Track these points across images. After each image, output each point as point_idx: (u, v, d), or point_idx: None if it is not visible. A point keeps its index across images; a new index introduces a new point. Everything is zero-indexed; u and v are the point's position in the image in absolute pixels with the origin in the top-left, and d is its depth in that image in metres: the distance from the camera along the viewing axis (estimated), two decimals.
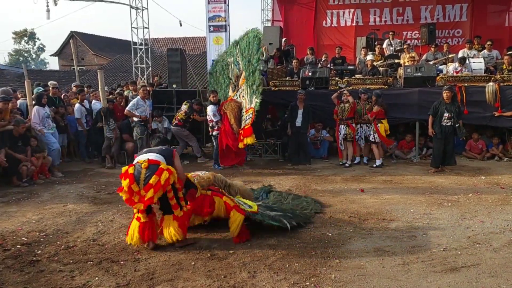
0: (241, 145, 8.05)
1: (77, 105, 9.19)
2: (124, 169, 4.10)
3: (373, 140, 8.41)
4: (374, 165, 8.37)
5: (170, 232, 4.10)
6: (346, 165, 8.45)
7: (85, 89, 10.37)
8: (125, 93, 10.68)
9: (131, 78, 14.55)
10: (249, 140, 7.85)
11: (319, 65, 10.95)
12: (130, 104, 8.05)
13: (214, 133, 8.55)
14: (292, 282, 3.43)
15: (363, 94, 8.60)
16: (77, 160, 9.38)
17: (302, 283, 3.41)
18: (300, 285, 3.39)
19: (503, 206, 5.47)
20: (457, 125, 7.57)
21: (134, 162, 4.17)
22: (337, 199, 5.97)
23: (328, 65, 11.07)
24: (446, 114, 7.59)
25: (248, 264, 3.77)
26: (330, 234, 4.52)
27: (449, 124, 7.62)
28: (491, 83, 8.76)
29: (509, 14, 13.66)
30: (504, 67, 9.52)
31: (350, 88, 9.41)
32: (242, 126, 8.09)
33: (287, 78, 10.35)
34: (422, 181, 7.07)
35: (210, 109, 8.54)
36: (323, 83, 9.51)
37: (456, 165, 7.83)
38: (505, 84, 8.90)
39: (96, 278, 3.52)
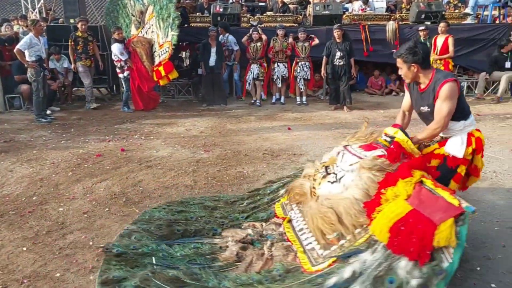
0: (164, 82, 7.96)
1: None
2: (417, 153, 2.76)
3: (306, 78, 8.63)
4: (304, 102, 8.66)
5: None
6: (257, 104, 8.59)
7: None
8: (15, 28, 9.44)
9: (20, 12, 12.82)
10: (173, 75, 7.87)
11: (231, 1, 10.63)
12: (22, 42, 7.05)
13: (125, 74, 8.02)
14: None
15: (280, 30, 8.58)
16: None
17: None
18: None
19: None
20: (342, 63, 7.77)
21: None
22: (251, 138, 6.12)
23: (240, 1, 10.80)
24: (338, 54, 7.78)
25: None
26: (245, 172, 4.67)
27: (341, 63, 7.80)
28: (391, 22, 9.29)
29: None
30: (403, 6, 10.11)
31: (262, 25, 9.35)
32: (159, 62, 7.81)
33: (198, 14, 9.93)
34: (329, 117, 7.50)
35: (116, 48, 7.90)
36: (235, 19, 9.30)
37: (352, 104, 8.12)
38: (404, 23, 9.51)
39: None
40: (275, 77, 8.75)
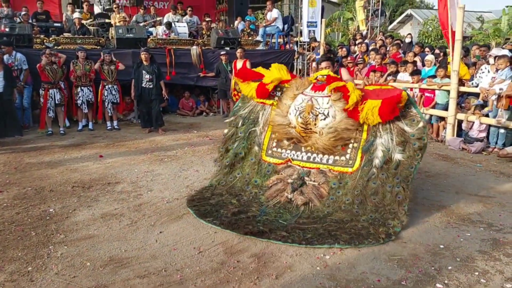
0: None
1: None
2: None
3: (115, 101, 8.31)
4: (116, 127, 8.33)
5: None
6: (61, 132, 7.81)
7: None
8: None
9: None
10: None
11: (18, 20, 9.45)
12: None
13: None
14: (10, 271, 2.99)
15: (81, 52, 7.99)
16: None
17: (23, 270, 3.02)
18: (20, 272, 2.98)
19: (212, 155, 6.31)
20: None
21: None
22: (56, 170, 5.48)
23: (30, 21, 9.68)
24: (146, 76, 7.75)
25: None
26: (52, 210, 4.14)
27: (150, 86, 7.78)
28: (194, 47, 9.77)
29: None
30: (204, 32, 10.76)
31: (60, 47, 8.61)
32: None
33: None
34: (144, 141, 7.35)
35: None
36: (26, 41, 8.30)
37: (164, 125, 8.21)
38: (206, 47, 10.11)
39: None
40: (79, 102, 8.09)
